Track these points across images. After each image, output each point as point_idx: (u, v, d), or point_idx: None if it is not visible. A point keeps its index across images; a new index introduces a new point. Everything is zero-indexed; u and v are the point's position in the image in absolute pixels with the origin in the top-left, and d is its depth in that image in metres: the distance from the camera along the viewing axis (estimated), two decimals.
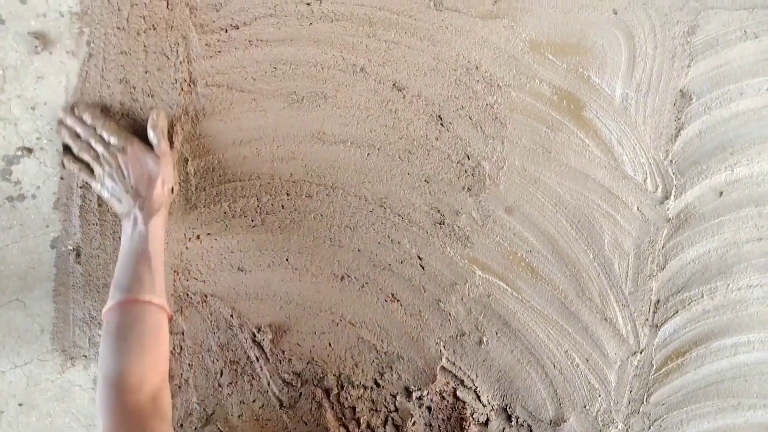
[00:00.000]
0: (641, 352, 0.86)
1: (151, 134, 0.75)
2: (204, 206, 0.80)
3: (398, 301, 0.83)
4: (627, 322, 0.86)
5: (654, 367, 0.87)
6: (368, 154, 0.81)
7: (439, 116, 0.81)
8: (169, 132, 0.77)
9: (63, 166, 0.77)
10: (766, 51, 0.84)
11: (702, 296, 0.87)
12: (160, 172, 0.73)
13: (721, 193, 0.86)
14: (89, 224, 0.79)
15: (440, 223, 0.83)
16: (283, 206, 0.81)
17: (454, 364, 0.84)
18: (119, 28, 0.76)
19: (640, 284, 0.85)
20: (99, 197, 0.78)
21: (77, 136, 0.75)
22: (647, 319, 0.86)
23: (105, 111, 0.77)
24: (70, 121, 0.75)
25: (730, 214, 0.86)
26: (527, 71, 0.81)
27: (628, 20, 0.82)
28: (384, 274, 0.83)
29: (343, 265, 0.82)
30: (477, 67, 0.80)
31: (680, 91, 0.83)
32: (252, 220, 0.81)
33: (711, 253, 0.86)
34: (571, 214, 0.84)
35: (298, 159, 0.80)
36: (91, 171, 0.75)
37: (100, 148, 0.73)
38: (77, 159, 0.75)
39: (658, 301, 0.86)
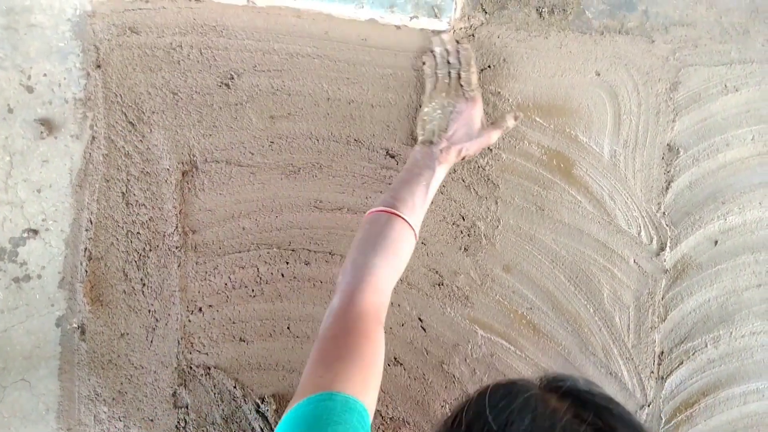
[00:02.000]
0: (649, 405, 0.85)
1: (507, 119, 0.80)
2: (204, 279, 0.81)
3: (401, 364, 0.83)
4: (632, 375, 0.85)
5: (663, 420, 0.86)
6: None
7: None
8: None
9: (424, 63, 0.81)
10: (747, 103, 0.86)
11: (706, 345, 0.86)
12: (471, 142, 0.76)
13: (716, 242, 0.87)
14: (94, 301, 0.80)
15: (439, 284, 0.83)
16: (282, 275, 0.82)
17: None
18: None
19: (643, 337, 0.85)
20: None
21: (445, 60, 0.79)
22: (653, 372, 0.85)
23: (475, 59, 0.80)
24: (450, 46, 0.79)
25: (726, 263, 0.87)
26: (516, 133, 0.83)
27: (611, 80, 0.85)
28: (386, 338, 0.83)
29: None
30: None
31: (667, 145, 0.86)
32: (252, 290, 0.82)
33: (711, 302, 0.87)
34: (569, 269, 0.84)
35: (296, 228, 0.82)
36: (433, 84, 0.79)
37: (452, 81, 0.78)
38: (433, 68, 0.80)
39: (662, 352, 0.86)
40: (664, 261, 0.85)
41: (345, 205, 0.82)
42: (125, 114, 0.80)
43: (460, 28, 0.82)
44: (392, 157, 0.82)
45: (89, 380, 0.81)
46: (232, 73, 0.81)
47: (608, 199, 0.85)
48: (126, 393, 0.81)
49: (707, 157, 0.86)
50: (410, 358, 0.83)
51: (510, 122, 0.80)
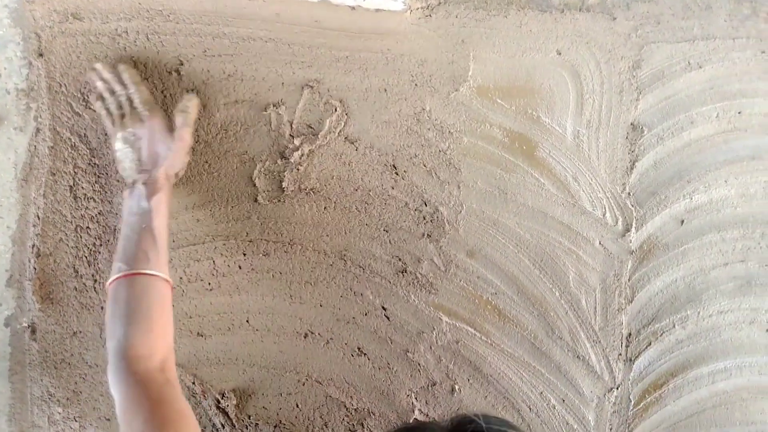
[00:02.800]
0: (617, 388, 0.85)
1: (178, 118, 0.74)
2: None
3: (365, 354, 0.82)
4: (600, 358, 0.84)
5: (632, 402, 0.85)
6: (325, 207, 0.80)
7: (394, 165, 0.81)
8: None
9: (87, 104, 0.77)
10: (711, 80, 0.85)
11: (674, 326, 0.86)
12: (169, 156, 0.72)
13: (682, 221, 0.86)
14: (44, 299, 0.77)
15: (402, 272, 0.82)
16: (240, 267, 0.80)
17: (427, 415, 0.82)
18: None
19: (610, 319, 0.84)
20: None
21: (110, 91, 0.75)
22: (620, 354, 0.85)
23: (141, 77, 0.77)
24: (106, 74, 0.75)
25: (693, 242, 0.86)
26: (477, 116, 0.82)
27: (573, 59, 0.83)
28: (348, 328, 0.81)
29: (306, 322, 0.81)
30: (428, 116, 0.81)
31: (631, 124, 0.84)
32: (208, 284, 0.79)
33: (678, 282, 0.86)
34: (534, 253, 0.83)
35: (253, 218, 0.80)
36: (112, 121, 0.75)
37: (125, 109, 0.74)
38: (106, 107, 0.76)
39: (630, 334, 0.85)
40: (630, 242, 0.84)
41: None
42: (71, 104, 0.77)
43: (417, 8, 0.79)
44: (352, 142, 0.80)
45: (42, 381, 0.78)
46: (182, 59, 0.78)
47: (572, 181, 0.83)
48: (81, 393, 0.79)
49: (672, 136, 0.85)
50: (374, 348, 0.82)
51: (191, 112, 0.75)
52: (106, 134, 0.77)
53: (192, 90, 0.78)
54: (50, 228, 0.77)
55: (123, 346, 0.62)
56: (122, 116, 0.74)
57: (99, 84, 0.75)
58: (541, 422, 0.83)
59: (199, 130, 0.79)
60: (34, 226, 0.77)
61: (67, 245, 0.78)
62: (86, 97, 0.77)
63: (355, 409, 0.82)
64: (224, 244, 0.79)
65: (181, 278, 0.79)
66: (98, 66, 0.76)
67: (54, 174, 0.77)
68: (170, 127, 0.74)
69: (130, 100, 0.74)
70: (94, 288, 0.78)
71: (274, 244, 0.80)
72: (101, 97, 0.76)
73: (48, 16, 0.76)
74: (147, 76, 0.77)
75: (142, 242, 0.67)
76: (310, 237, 0.80)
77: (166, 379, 0.62)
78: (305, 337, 0.81)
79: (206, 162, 0.79)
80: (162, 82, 0.78)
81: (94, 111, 0.76)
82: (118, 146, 0.73)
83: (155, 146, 0.72)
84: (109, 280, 0.66)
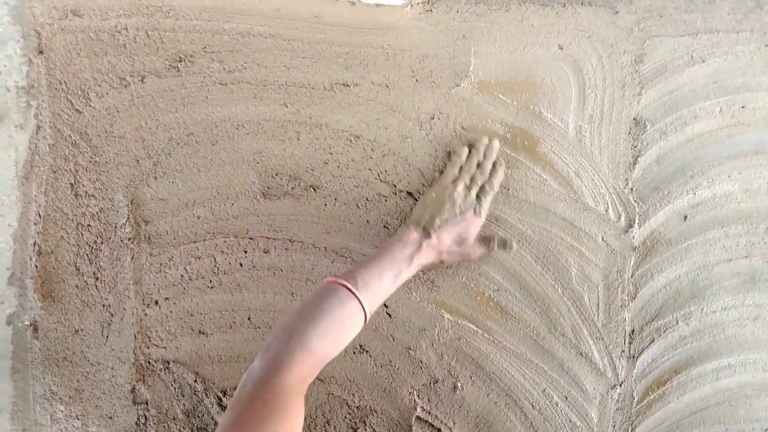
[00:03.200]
0: (621, 385, 0.84)
1: (481, 250, 0.78)
2: (160, 271, 0.79)
3: (367, 352, 0.81)
4: (603, 355, 0.84)
5: (635, 400, 0.84)
6: (325, 204, 0.80)
7: (395, 163, 0.81)
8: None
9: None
10: (714, 74, 0.84)
11: (677, 322, 0.85)
12: (455, 252, 0.75)
13: (686, 216, 0.85)
14: (46, 297, 0.77)
15: None
16: (241, 264, 0.80)
17: (429, 413, 0.82)
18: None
19: (613, 315, 0.84)
20: None
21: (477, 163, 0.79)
22: (623, 351, 0.84)
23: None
24: (488, 152, 0.79)
25: (696, 238, 0.85)
26: (478, 112, 0.81)
27: (575, 54, 0.82)
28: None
29: None
30: (431, 113, 0.80)
31: (634, 119, 0.84)
32: (210, 281, 0.79)
33: (682, 278, 0.85)
34: (536, 249, 0.83)
35: (253, 215, 0.80)
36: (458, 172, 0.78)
37: (474, 189, 0.77)
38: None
39: (633, 331, 0.84)
40: (633, 238, 0.84)
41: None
42: (71, 101, 0.77)
43: (417, 3, 0.79)
44: (357, 137, 0.80)
45: (44, 379, 0.78)
46: (181, 56, 0.78)
47: (574, 177, 0.83)
48: (83, 391, 0.79)
49: (675, 131, 0.84)
50: (376, 345, 0.81)
51: (497, 248, 0.79)
52: (107, 132, 0.77)
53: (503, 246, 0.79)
54: (51, 226, 0.77)
55: (310, 341, 0.59)
56: (465, 186, 0.77)
57: (481, 148, 0.79)
58: (544, 420, 0.83)
59: (198, 127, 0.78)
60: (35, 224, 0.77)
61: (69, 243, 0.78)
62: (87, 94, 0.77)
63: (357, 407, 0.81)
64: (225, 242, 0.79)
65: (182, 276, 0.79)
66: (495, 144, 0.80)
67: (55, 172, 0.77)
68: (477, 236, 0.77)
69: (484, 188, 0.78)
70: (96, 285, 0.78)
71: (274, 241, 0.80)
72: (469, 155, 0.79)
73: (48, 13, 0.76)
74: None
75: (384, 279, 0.68)
76: (311, 234, 0.80)
77: (299, 397, 0.58)
78: None
79: (205, 158, 0.79)
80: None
81: (453, 153, 0.79)
82: (442, 195, 0.76)
83: (460, 235, 0.75)
84: (334, 278, 0.65)
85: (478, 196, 0.77)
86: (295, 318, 0.62)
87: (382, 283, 0.68)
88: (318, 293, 0.64)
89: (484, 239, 0.79)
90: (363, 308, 0.65)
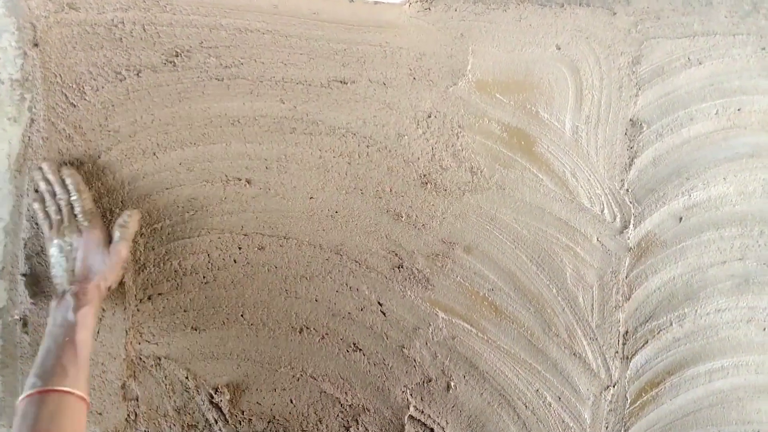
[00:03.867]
0: (614, 386, 0.84)
1: (116, 232, 0.74)
2: (153, 265, 0.78)
3: (360, 350, 0.81)
4: (597, 355, 0.84)
5: (629, 401, 0.84)
6: (321, 201, 0.80)
7: (389, 164, 0.81)
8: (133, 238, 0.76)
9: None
10: (711, 76, 0.85)
11: (671, 324, 0.85)
12: (104, 272, 0.71)
13: (681, 218, 0.85)
14: (36, 293, 0.77)
15: (399, 267, 0.81)
16: (235, 260, 0.79)
17: (422, 412, 0.82)
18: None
19: (607, 316, 0.84)
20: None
21: (51, 193, 0.74)
22: (617, 352, 0.84)
23: (87, 181, 0.76)
24: (51, 176, 0.74)
25: (691, 240, 0.85)
26: (475, 111, 0.81)
27: (572, 54, 0.82)
28: (344, 323, 0.81)
29: (301, 316, 0.80)
30: (428, 111, 0.80)
31: (630, 120, 0.84)
32: (204, 277, 0.79)
33: (676, 280, 0.85)
34: (531, 249, 0.83)
35: (248, 212, 0.79)
36: (49, 225, 0.74)
37: (65, 215, 0.73)
38: (44, 210, 0.74)
39: (627, 332, 0.84)
40: (628, 239, 0.84)
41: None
42: (66, 95, 0.77)
43: (416, 1, 0.79)
44: (353, 134, 0.80)
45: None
46: (178, 50, 0.77)
47: (570, 177, 0.83)
48: None
49: (671, 132, 0.84)
50: (369, 344, 0.81)
51: (130, 227, 0.75)
52: (101, 126, 0.77)
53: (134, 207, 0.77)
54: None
55: None
56: (60, 222, 0.73)
57: (42, 184, 0.74)
58: (537, 420, 0.83)
59: (193, 122, 0.78)
60: (27, 219, 0.76)
61: None
62: (82, 88, 0.76)
63: (350, 405, 0.81)
64: (219, 238, 0.79)
65: (175, 271, 0.78)
66: (44, 166, 0.74)
67: None
68: (108, 240, 0.73)
69: (71, 207, 0.73)
70: None
71: (269, 237, 0.79)
72: (41, 199, 0.74)
73: (43, 6, 0.75)
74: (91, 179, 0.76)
75: (63, 356, 0.64)
76: (306, 231, 0.80)
77: None
78: (300, 332, 0.80)
79: (201, 155, 0.78)
80: (106, 188, 0.77)
81: (32, 208, 0.75)
82: (53, 253, 0.72)
83: (90, 259, 0.71)
84: (21, 397, 0.61)
85: (74, 215, 0.73)
86: None
87: (65, 362, 0.63)
88: (19, 420, 0.59)
89: (114, 233, 0.74)
90: (69, 392, 0.61)
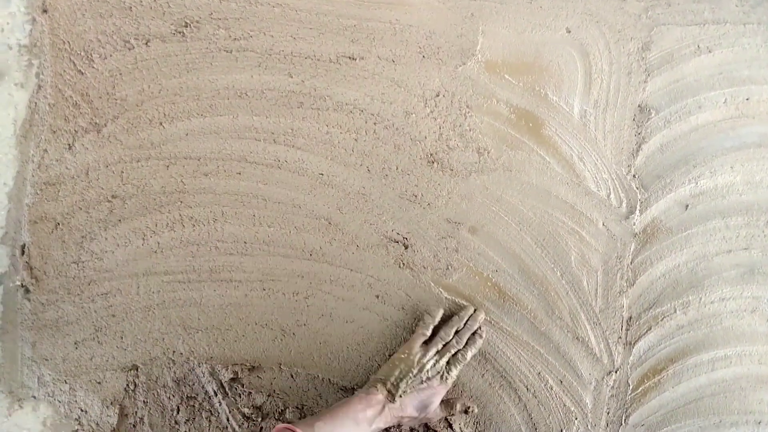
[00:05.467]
0: (616, 372, 0.84)
1: (441, 413, 0.77)
2: (154, 233, 0.78)
3: (363, 327, 0.81)
4: (600, 340, 0.83)
5: (631, 387, 0.84)
6: (321, 174, 0.79)
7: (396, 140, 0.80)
8: None
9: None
10: (720, 65, 0.84)
11: (675, 311, 0.85)
12: (420, 419, 0.74)
13: (687, 206, 0.85)
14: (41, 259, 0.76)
15: (404, 246, 0.81)
16: (245, 242, 0.79)
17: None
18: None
19: (611, 301, 0.83)
20: None
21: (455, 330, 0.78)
22: (620, 337, 0.84)
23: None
24: (471, 323, 0.78)
25: (697, 227, 0.85)
26: (484, 91, 0.81)
27: (582, 38, 0.82)
28: (345, 305, 0.80)
29: (300, 294, 0.80)
30: (436, 90, 0.80)
31: (639, 106, 0.83)
32: (207, 248, 0.78)
33: (681, 267, 0.85)
34: (536, 232, 0.82)
35: (252, 181, 0.79)
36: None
37: (445, 356, 0.75)
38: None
39: (631, 317, 0.84)
40: (634, 224, 0.83)
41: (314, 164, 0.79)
42: (74, 62, 0.76)
43: None
44: (361, 110, 0.79)
45: (33, 341, 0.77)
46: (187, 21, 0.77)
47: (577, 161, 0.82)
48: (71, 354, 0.77)
49: (679, 120, 0.84)
50: (370, 321, 0.80)
51: (459, 413, 0.78)
52: (108, 94, 0.76)
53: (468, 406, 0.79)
54: (46, 187, 0.76)
55: None
56: (437, 352, 0.75)
57: (463, 321, 0.78)
58: (538, 403, 0.82)
59: (202, 94, 0.78)
60: (31, 186, 0.76)
61: (62, 204, 0.76)
62: (90, 55, 0.76)
63: (343, 387, 0.80)
64: (231, 207, 0.78)
65: (181, 241, 0.78)
66: (479, 316, 0.79)
67: (54, 132, 0.76)
68: (440, 403, 0.75)
69: (456, 357, 0.76)
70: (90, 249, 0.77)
71: (271, 211, 0.79)
72: (448, 323, 0.77)
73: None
74: None
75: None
76: (307, 205, 0.79)
77: None
78: (305, 299, 0.80)
79: (207, 127, 0.78)
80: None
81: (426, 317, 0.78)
82: (412, 359, 0.74)
83: (424, 402, 0.73)
84: (286, 425, 0.63)
85: (448, 363, 0.75)
86: None
87: None
88: None
89: (447, 403, 0.77)
90: None
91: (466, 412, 0.78)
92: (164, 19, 0.77)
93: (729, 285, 0.85)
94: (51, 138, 0.76)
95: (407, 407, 0.72)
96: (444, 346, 0.76)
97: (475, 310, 0.79)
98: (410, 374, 0.73)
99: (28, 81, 0.76)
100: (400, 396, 0.71)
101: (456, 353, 0.76)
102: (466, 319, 0.78)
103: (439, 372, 0.74)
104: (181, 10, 0.77)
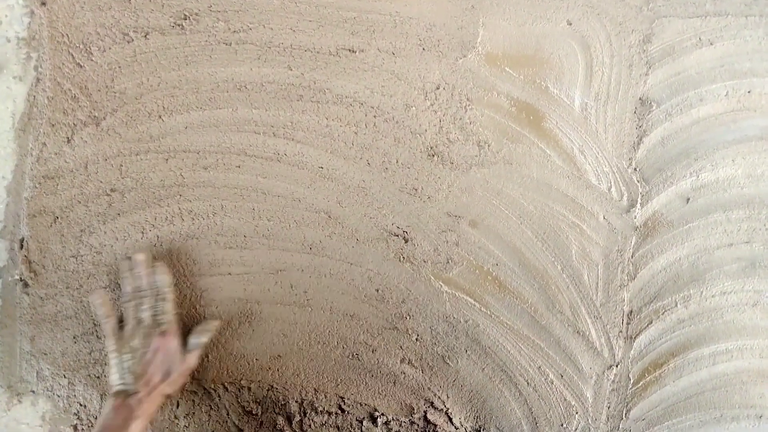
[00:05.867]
0: (617, 366, 0.83)
1: (193, 340, 0.73)
2: (153, 227, 0.77)
3: (363, 321, 0.80)
4: (600, 334, 0.83)
5: (631, 381, 0.84)
6: (320, 167, 0.79)
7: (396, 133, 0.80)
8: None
9: (90, 300, 0.74)
10: (722, 57, 0.84)
11: (676, 305, 0.84)
12: (175, 378, 0.70)
13: (688, 199, 0.84)
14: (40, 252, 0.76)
15: (404, 239, 0.80)
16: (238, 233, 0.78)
17: (422, 385, 0.81)
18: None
19: (612, 295, 0.83)
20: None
21: (136, 288, 0.72)
22: (621, 331, 0.83)
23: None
24: (142, 269, 0.72)
25: (698, 221, 0.85)
26: (484, 84, 0.80)
27: (583, 30, 0.82)
28: (345, 299, 0.80)
29: (299, 289, 0.80)
30: (436, 82, 0.80)
31: (640, 98, 0.83)
32: (208, 243, 0.78)
33: (682, 261, 0.85)
34: (537, 225, 0.82)
35: (251, 173, 0.78)
36: (118, 326, 0.72)
37: (147, 315, 0.71)
38: (108, 304, 0.73)
39: (631, 311, 0.84)
40: (635, 218, 0.83)
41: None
42: (72, 55, 0.76)
43: None
44: (361, 104, 0.79)
45: (32, 335, 0.76)
46: (186, 13, 0.76)
47: (578, 154, 0.82)
48: (71, 348, 0.77)
49: (680, 113, 0.84)
50: (368, 314, 0.80)
51: (204, 338, 0.74)
52: (107, 87, 0.76)
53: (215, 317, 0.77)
54: (45, 181, 0.76)
55: None
56: (138, 322, 0.71)
57: (128, 286, 0.73)
58: (539, 397, 0.82)
59: (201, 88, 0.77)
60: (30, 179, 0.76)
61: (61, 198, 0.76)
62: (89, 48, 0.76)
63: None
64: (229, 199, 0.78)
65: (181, 230, 0.78)
66: (140, 258, 0.73)
67: (53, 125, 0.76)
68: (180, 347, 0.72)
69: (154, 309, 0.71)
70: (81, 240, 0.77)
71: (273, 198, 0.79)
72: (128, 293, 0.72)
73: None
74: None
75: None
76: (306, 198, 0.79)
77: None
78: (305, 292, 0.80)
79: (207, 119, 0.78)
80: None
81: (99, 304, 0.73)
82: (125, 351, 0.69)
83: (163, 364, 0.69)
84: None
85: (154, 315, 0.71)
86: None
87: None
88: None
89: (188, 342, 0.73)
90: None
91: (201, 337, 0.73)
92: (163, 12, 0.76)
93: (730, 278, 0.85)
94: (50, 131, 0.76)
95: (155, 382, 0.68)
96: (139, 309, 0.71)
97: (138, 254, 0.74)
98: (127, 362, 0.68)
99: (26, 74, 0.76)
100: (136, 385, 0.67)
101: (154, 303, 0.71)
102: (137, 269, 0.73)
103: (151, 332, 0.69)
104: (180, 2, 0.76)
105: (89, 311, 0.77)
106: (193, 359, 0.73)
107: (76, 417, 0.77)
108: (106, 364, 0.75)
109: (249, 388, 0.79)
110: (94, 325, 0.77)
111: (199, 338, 0.73)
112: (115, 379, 0.68)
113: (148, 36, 0.76)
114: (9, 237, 0.76)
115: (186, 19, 0.76)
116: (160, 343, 0.69)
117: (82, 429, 0.77)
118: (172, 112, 0.77)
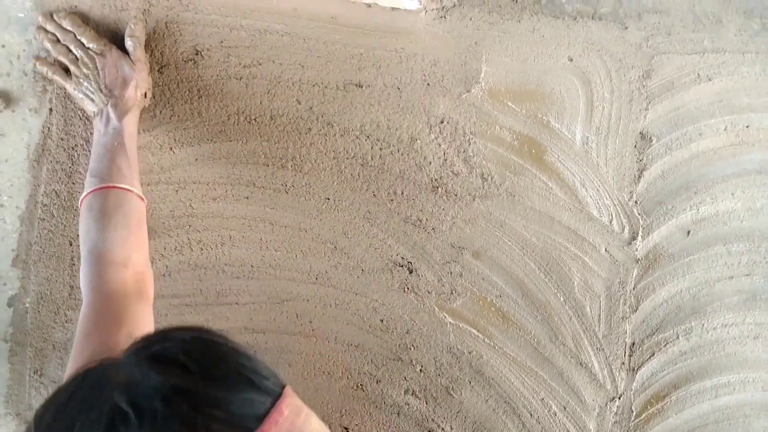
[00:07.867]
0: (620, 398, 0.84)
1: (128, 42, 0.75)
2: (162, 257, 0.79)
3: (367, 350, 0.81)
4: (603, 366, 0.84)
5: (634, 413, 0.84)
6: (327, 199, 0.81)
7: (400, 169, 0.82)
8: (146, 42, 0.77)
9: (35, 69, 0.77)
10: (720, 93, 0.86)
11: (677, 337, 0.85)
12: (135, 76, 0.73)
13: (689, 232, 0.86)
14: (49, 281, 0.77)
15: (408, 270, 0.82)
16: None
17: (425, 414, 0.81)
18: None
19: (614, 327, 0.84)
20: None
21: (56, 40, 0.75)
22: (623, 363, 0.84)
23: (84, 20, 0.76)
24: (50, 27, 0.75)
25: (699, 253, 0.86)
26: (488, 118, 0.82)
27: (584, 66, 0.84)
28: (348, 329, 0.81)
29: (304, 318, 0.81)
30: (440, 116, 0.82)
31: (640, 133, 0.85)
32: (217, 272, 0.79)
33: (683, 293, 0.85)
34: (539, 257, 0.83)
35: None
36: (66, 73, 0.75)
37: (79, 52, 0.74)
38: (48, 63, 0.75)
39: (633, 343, 0.84)
40: (636, 250, 0.84)
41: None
42: None
43: (432, 9, 0.81)
44: (367, 137, 0.81)
45: (41, 363, 0.77)
46: (198, 49, 0.79)
47: (580, 187, 0.84)
48: None
49: (680, 147, 0.85)
50: (373, 345, 0.81)
51: (139, 34, 0.75)
52: None
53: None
54: (59, 211, 0.78)
55: (99, 249, 0.61)
56: (76, 60, 0.74)
57: (42, 35, 0.75)
58: (542, 429, 0.82)
59: (211, 121, 0.79)
60: (42, 208, 0.78)
61: (72, 228, 0.78)
62: None
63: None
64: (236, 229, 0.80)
65: (188, 257, 0.79)
66: (40, 18, 0.75)
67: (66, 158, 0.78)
68: (125, 53, 0.75)
69: (81, 43, 0.74)
70: None
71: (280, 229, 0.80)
72: (50, 51, 0.75)
73: (68, 1, 0.77)
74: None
75: (116, 158, 0.67)
76: (313, 229, 0.80)
77: (138, 291, 0.60)
78: (310, 322, 0.81)
79: (217, 152, 0.80)
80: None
81: (38, 64, 0.75)
82: (84, 86, 0.72)
83: (118, 71, 0.73)
84: (83, 195, 0.65)
85: (86, 49, 0.73)
86: (84, 243, 0.63)
87: (120, 163, 0.67)
88: (86, 213, 0.64)
89: (126, 38, 0.75)
90: (127, 189, 0.65)
91: (137, 21, 0.75)
92: (177, 47, 0.79)
93: (731, 311, 0.86)
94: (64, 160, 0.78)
95: (117, 86, 0.71)
96: (66, 53, 0.74)
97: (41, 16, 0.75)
98: (85, 87, 0.72)
99: (41, 106, 0.78)
100: (101, 97, 0.71)
101: (78, 41, 0.73)
102: (48, 27, 0.75)
103: (90, 58, 0.72)
104: (193, 38, 0.79)
105: None
106: (141, 56, 0.75)
107: None
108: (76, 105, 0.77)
109: None
110: None
111: (132, 38, 0.75)
112: (89, 105, 0.73)
113: (161, 70, 0.79)
114: (21, 266, 0.77)
115: (198, 54, 0.79)
116: (103, 62, 0.73)
117: None
118: (183, 144, 0.79)
